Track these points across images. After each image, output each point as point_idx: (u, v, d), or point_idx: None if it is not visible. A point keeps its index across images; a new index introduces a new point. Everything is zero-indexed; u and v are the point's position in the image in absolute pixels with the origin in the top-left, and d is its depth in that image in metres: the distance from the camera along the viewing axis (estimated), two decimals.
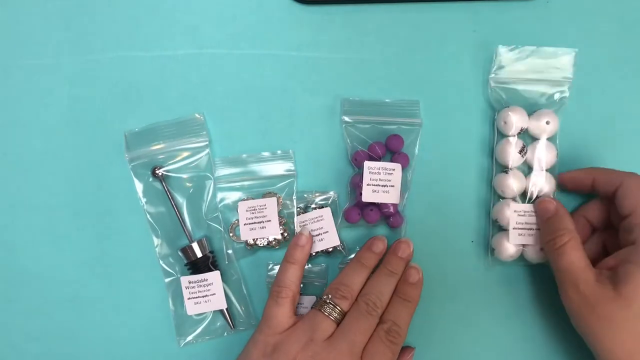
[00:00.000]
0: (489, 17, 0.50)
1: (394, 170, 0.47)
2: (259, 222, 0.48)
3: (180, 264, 0.49)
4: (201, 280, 0.47)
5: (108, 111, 0.50)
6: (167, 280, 0.49)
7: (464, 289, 0.49)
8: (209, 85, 0.50)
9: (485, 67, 0.49)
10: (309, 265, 0.49)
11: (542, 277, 0.48)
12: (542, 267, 0.47)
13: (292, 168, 0.49)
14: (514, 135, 0.47)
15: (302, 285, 0.47)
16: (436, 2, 0.50)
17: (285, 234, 0.48)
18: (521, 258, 0.48)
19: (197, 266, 0.48)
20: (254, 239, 0.48)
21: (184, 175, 0.49)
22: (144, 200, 0.49)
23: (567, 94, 0.48)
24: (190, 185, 0.49)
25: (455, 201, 0.49)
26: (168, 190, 0.49)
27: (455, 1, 0.50)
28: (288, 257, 0.46)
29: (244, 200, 0.49)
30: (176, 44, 0.50)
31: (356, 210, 0.48)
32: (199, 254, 0.48)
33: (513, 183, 0.47)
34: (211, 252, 0.49)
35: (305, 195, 0.49)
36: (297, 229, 0.48)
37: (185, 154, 0.49)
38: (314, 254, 0.48)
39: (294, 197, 0.49)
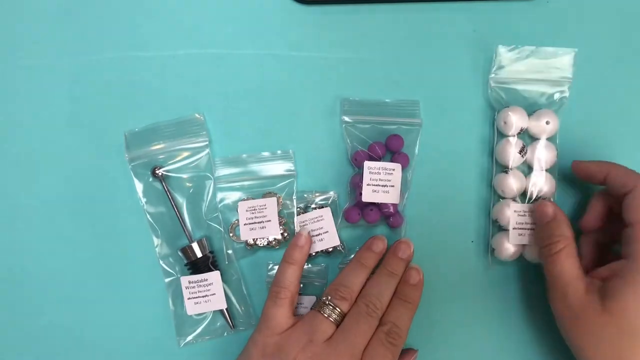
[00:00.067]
0: (489, 17, 0.50)
1: (394, 170, 0.47)
2: (259, 222, 0.48)
3: (180, 264, 0.49)
4: (201, 280, 0.47)
5: (108, 111, 0.50)
6: (167, 280, 0.49)
7: (464, 289, 0.49)
8: (209, 85, 0.50)
9: (485, 67, 0.49)
10: (309, 265, 0.49)
11: (542, 277, 0.48)
12: (542, 267, 0.47)
13: (292, 168, 0.49)
14: (514, 135, 0.47)
15: (301, 286, 0.47)
16: (436, 2, 0.50)
17: (285, 234, 0.48)
18: (521, 258, 0.48)
19: (197, 266, 0.48)
20: (254, 239, 0.48)
21: (184, 175, 0.49)
22: (144, 200, 0.49)
23: (567, 94, 0.48)
24: (190, 185, 0.49)
25: (455, 201, 0.49)
26: (168, 190, 0.49)
27: (455, 1, 0.50)
28: (287, 258, 0.46)
29: (244, 200, 0.49)
30: (176, 44, 0.50)
31: (356, 210, 0.48)
32: (199, 254, 0.48)
33: (513, 183, 0.47)
34: (211, 252, 0.49)
35: (305, 195, 0.49)
36: (297, 229, 0.48)
37: (185, 154, 0.49)
38: (313, 254, 0.48)
39: (294, 197, 0.49)
